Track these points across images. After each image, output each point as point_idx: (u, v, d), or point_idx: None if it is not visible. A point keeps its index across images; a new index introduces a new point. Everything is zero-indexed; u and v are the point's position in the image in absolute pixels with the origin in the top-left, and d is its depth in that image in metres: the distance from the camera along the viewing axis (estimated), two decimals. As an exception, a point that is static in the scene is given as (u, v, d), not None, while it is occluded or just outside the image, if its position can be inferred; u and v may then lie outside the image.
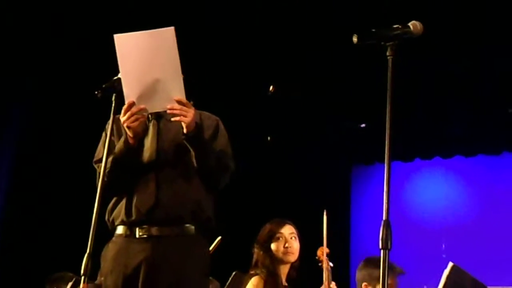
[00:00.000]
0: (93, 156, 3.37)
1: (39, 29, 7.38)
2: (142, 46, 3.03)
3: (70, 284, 4.90)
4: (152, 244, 3.09)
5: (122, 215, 3.16)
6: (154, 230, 3.10)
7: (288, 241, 4.52)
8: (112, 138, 3.16)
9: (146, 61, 3.04)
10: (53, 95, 7.84)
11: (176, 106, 3.03)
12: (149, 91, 3.06)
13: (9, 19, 7.19)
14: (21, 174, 7.85)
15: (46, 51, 7.57)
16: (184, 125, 3.06)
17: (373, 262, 4.64)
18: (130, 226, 3.14)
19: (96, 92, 3.17)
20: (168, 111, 3.08)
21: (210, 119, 3.35)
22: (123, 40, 3.05)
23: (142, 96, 3.08)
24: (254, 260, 4.55)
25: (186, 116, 3.04)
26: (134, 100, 3.06)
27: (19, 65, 7.69)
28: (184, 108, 3.04)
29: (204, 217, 3.18)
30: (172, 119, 3.10)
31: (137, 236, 3.12)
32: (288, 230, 4.57)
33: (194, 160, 3.13)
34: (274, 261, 4.47)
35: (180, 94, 3.06)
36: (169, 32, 3.01)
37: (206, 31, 7.02)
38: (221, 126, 3.35)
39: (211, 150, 3.17)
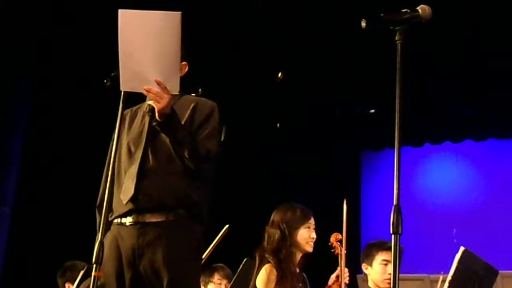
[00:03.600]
0: (104, 144, 3.44)
1: (46, 18, 7.40)
2: (145, 26, 3.00)
3: (82, 272, 4.92)
4: (141, 231, 3.16)
5: (114, 206, 3.23)
6: (142, 218, 3.18)
7: (313, 231, 4.41)
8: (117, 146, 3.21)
9: (146, 41, 3.01)
10: (61, 84, 7.86)
11: (153, 89, 3.04)
12: (143, 72, 3.05)
13: (15, 9, 7.20)
14: (32, 164, 7.88)
15: (54, 38, 7.59)
16: (156, 109, 3.08)
17: (369, 244, 4.72)
18: (121, 215, 3.22)
19: (105, 81, 3.18)
20: (144, 92, 3.09)
21: (206, 105, 3.35)
22: (127, 16, 3.02)
23: (136, 76, 3.06)
24: (267, 241, 4.34)
25: (159, 102, 3.05)
26: (127, 78, 3.06)
27: (26, 53, 7.72)
28: (160, 93, 3.04)
29: (190, 203, 3.21)
30: (147, 101, 3.14)
31: (127, 224, 3.20)
32: (313, 221, 4.46)
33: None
34: (293, 247, 4.31)
35: (174, 81, 3.05)
36: (175, 17, 2.98)
37: (214, 19, 7.01)
38: (216, 111, 3.35)
39: (187, 139, 3.17)
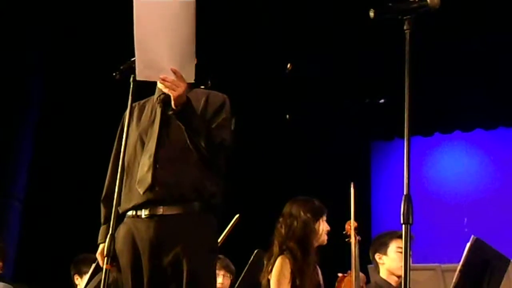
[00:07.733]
0: (113, 137, 3.45)
1: (55, 13, 7.42)
2: (160, 14, 3.03)
3: (93, 265, 4.94)
4: (157, 223, 3.16)
5: (125, 198, 3.23)
6: (158, 210, 3.17)
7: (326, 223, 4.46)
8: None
9: (161, 30, 3.03)
10: (70, 78, 7.88)
11: (169, 78, 3.05)
12: (159, 61, 3.07)
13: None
14: (41, 158, 7.92)
15: (63, 32, 7.61)
16: (172, 97, 3.09)
17: (380, 234, 4.73)
18: (136, 207, 3.21)
19: (114, 74, 3.19)
20: (160, 81, 3.11)
21: (217, 97, 3.38)
22: (142, 5, 3.05)
23: (152, 65, 3.08)
24: (286, 232, 4.32)
25: (175, 90, 3.06)
26: (143, 67, 3.07)
27: (35, 47, 7.74)
28: (176, 81, 3.05)
29: (207, 194, 3.22)
30: (163, 89, 3.15)
31: (143, 216, 3.19)
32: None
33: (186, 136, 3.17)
34: (309, 239, 4.33)
35: (190, 69, 3.07)
36: (189, 5, 3.01)
37: (222, 10, 7.01)
38: (227, 103, 3.37)
39: (202, 127, 3.18)
